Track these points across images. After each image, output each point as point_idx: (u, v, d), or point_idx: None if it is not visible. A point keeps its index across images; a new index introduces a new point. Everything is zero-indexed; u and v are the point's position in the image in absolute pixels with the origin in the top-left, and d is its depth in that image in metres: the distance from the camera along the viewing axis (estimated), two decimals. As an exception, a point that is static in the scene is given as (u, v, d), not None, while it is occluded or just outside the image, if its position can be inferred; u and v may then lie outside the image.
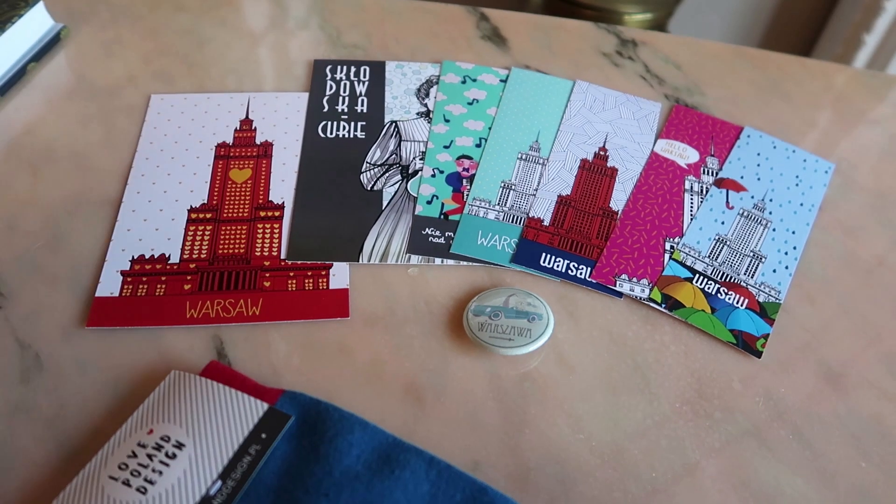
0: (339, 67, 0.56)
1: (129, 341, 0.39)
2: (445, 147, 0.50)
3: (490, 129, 0.52)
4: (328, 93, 0.54)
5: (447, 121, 0.52)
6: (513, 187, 0.48)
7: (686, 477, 0.36)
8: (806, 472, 0.36)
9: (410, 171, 0.49)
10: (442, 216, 0.46)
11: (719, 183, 0.50)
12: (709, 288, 0.44)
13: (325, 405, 0.34)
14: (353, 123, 0.52)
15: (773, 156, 0.53)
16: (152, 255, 0.42)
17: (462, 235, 0.45)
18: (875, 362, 0.41)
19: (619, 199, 0.48)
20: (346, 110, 0.53)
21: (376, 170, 0.49)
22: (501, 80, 0.56)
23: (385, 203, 0.47)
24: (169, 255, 0.43)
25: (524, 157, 0.50)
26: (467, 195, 0.47)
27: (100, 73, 0.54)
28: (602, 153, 0.51)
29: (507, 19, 0.63)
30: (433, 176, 0.48)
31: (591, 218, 0.47)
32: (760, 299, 0.44)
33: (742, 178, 0.51)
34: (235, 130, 0.51)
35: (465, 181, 0.48)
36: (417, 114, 0.53)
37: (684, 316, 0.42)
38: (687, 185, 0.50)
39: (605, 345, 0.41)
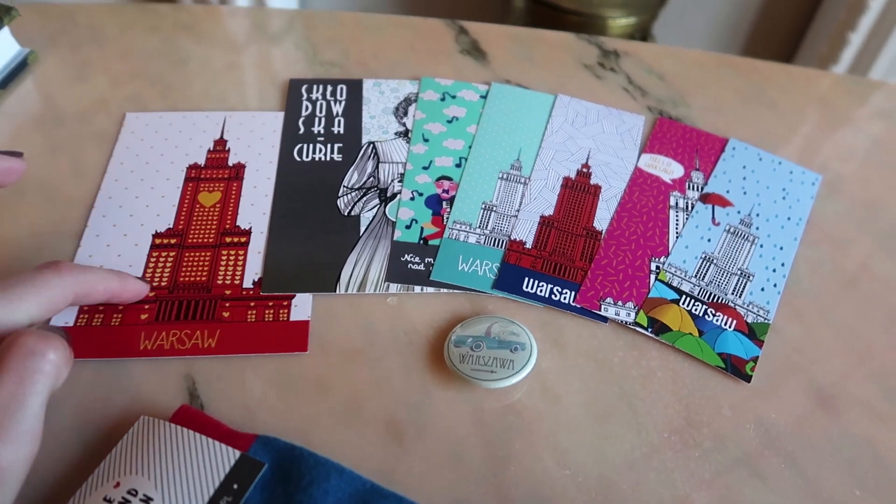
0: (315, 87, 0.55)
1: (97, 381, 0.37)
2: (424, 168, 0.49)
3: (470, 147, 0.51)
4: (304, 113, 0.53)
5: (426, 140, 0.51)
6: (494, 209, 0.47)
7: (676, 511, 0.35)
8: (799, 501, 0.35)
9: (389, 195, 0.48)
10: (421, 241, 0.45)
11: (705, 198, 0.49)
12: (696, 309, 0.43)
13: (300, 451, 0.33)
14: (329, 145, 0.50)
15: (759, 168, 0.52)
16: None
17: (442, 261, 0.44)
18: (866, 381, 0.40)
19: (602, 218, 0.47)
20: (322, 131, 0.51)
21: (354, 194, 0.47)
22: (482, 96, 0.54)
23: (363, 229, 0.45)
24: None
25: (505, 176, 0.49)
26: (447, 218, 0.46)
27: (69, 99, 0.53)
28: (585, 170, 0.50)
29: (486, 32, 0.62)
30: (412, 199, 0.47)
31: (574, 239, 0.46)
32: (749, 320, 0.43)
33: (728, 192, 0.50)
34: (209, 151, 0.49)
35: (444, 203, 0.47)
36: (396, 133, 0.52)
37: (671, 340, 0.41)
38: (672, 202, 0.49)
39: (591, 373, 0.40)
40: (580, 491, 0.35)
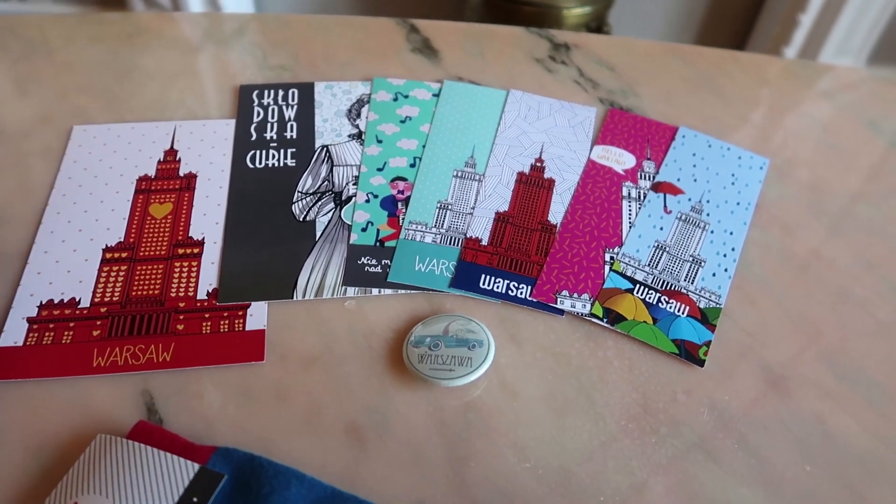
0: (266, 92, 0.54)
1: (52, 400, 0.37)
2: (379, 170, 0.49)
3: (424, 147, 0.51)
4: (255, 120, 0.52)
5: (380, 141, 0.51)
6: (449, 207, 0.47)
7: (634, 497, 0.35)
8: (752, 481, 0.36)
9: (344, 198, 0.48)
10: (378, 243, 0.45)
11: (656, 187, 0.50)
12: (650, 298, 0.44)
13: (260, 460, 0.33)
14: (282, 151, 0.50)
15: (709, 155, 0.53)
16: (62, 300, 0.41)
17: (399, 262, 0.44)
18: (816, 360, 0.41)
19: (557, 212, 0.48)
20: (274, 137, 0.51)
21: (308, 199, 0.47)
22: (434, 95, 0.55)
23: (319, 233, 0.45)
24: (79, 299, 0.41)
25: (460, 174, 0.49)
26: (403, 219, 0.46)
27: (12, 115, 0.52)
28: (539, 164, 0.51)
29: (437, 29, 0.62)
30: (367, 201, 0.47)
31: (529, 233, 0.46)
32: (701, 305, 0.43)
33: (679, 180, 0.51)
34: (159, 162, 0.49)
35: (400, 204, 0.47)
36: (349, 136, 0.51)
37: (626, 329, 0.42)
38: (625, 192, 0.50)
39: (549, 366, 0.40)
40: (540, 484, 0.36)
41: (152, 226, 0.45)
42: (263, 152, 0.50)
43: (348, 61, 0.58)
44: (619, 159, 0.52)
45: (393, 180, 0.49)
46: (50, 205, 0.45)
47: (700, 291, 0.44)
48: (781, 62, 0.64)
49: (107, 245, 0.44)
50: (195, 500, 0.31)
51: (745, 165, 0.52)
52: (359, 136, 0.51)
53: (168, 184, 0.47)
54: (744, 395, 0.40)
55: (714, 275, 0.45)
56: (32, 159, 0.49)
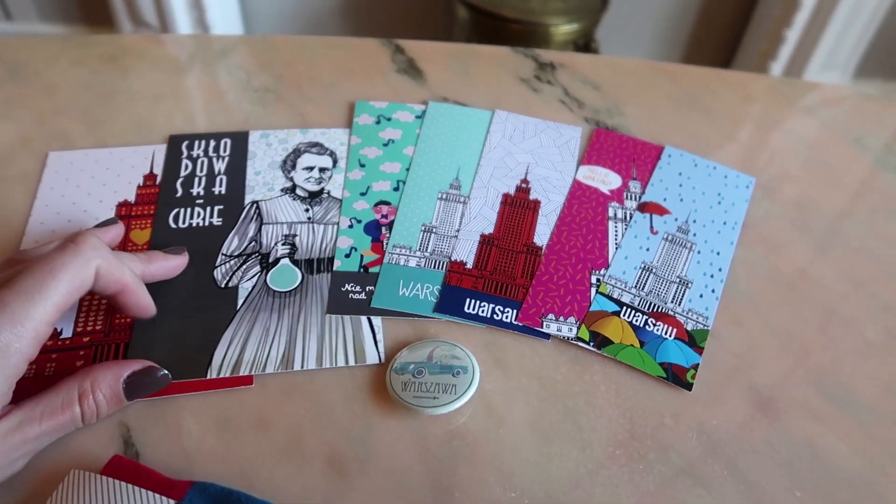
0: (196, 142, 0.51)
1: (28, 437, 0.36)
2: (362, 194, 0.49)
3: (408, 170, 0.50)
4: (183, 174, 0.49)
5: (362, 165, 0.51)
6: (434, 230, 0.47)
7: (622, 526, 0.35)
8: (742, 507, 0.36)
9: (271, 261, 0.44)
10: (362, 269, 0.44)
11: (642, 207, 0.50)
12: (637, 320, 0.43)
13: (238, 495, 0.32)
14: (208, 208, 0.47)
15: (695, 174, 0.53)
16: None
17: (383, 287, 0.44)
18: (803, 382, 0.41)
19: (542, 234, 0.47)
20: (202, 193, 0.48)
21: (232, 262, 0.44)
22: (417, 117, 0.54)
23: (240, 302, 0.42)
24: (61, 330, 0.40)
25: (444, 196, 0.49)
26: (387, 244, 0.46)
27: (-8, 139, 0.51)
28: (524, 185, 0.51)
29: (422, 50, 0.62)
30: (350, 227, 0.47)
31: (515, 256, 0.46)
32: (689, 327, 0.43)
33: (665, 200, 0.51)
34: (138, 187, 0.48)
35: (384, 229, 0.47)
36: (282, 190, 0.48)
37: (613, 353, 0.41)
38: (611, 213, 0.49)
39: (535, 391, 0.40)
40: (526, 513, 0.35)
41: (134, 251, 0.44)
42: (188, 210, 0.47)
43: (333, 82, 0.58)
44: (604, 179, 0.52)
45: (376, 205, 0.48)
46: (27, 234, 0.45)
47: (687, 313, 0.44)
48: (766, 80, 0.64)
49: (86, 273, 0.43)
50: (171, 537, 0.30)
51: (731, 184, 0.52)
52: (292, 190, 0.48)
53: (149, 209, 0.47)
54: (732, 419, 0.39)
55: (701, 296, 0.45)
56: (10, 184, 0.48)
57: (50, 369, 0.38)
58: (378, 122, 0.54)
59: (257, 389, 0.39)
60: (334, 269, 0.44)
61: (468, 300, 0.43)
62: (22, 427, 0.32)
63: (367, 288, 0.43)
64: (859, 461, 0.38)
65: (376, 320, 0.42)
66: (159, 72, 0.58)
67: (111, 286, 0.36)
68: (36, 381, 0.38)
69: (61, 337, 0.40)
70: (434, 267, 0.45)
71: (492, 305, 0.43)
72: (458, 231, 0.47)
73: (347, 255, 0.45)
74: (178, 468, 0.35)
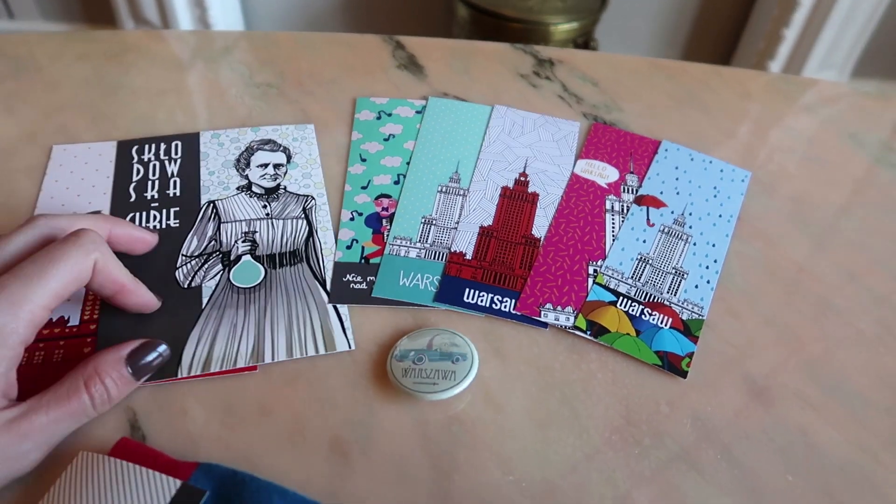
0: (147, 146, 0.51)
1: (36, 421, 0.37)
2: (363, 188, 0.49)
3: (408, 163, 0.51)
4: (135, 178, 0.49)
5: (363, 160, 0.51)
6: (434, 222, 0.48)
7: (618, 509, 0.35)
8: (735, 491, 0.36)
9: (233, 258, 0.44)
10: (363, 260, 0.45)
11: (639, 200, 0.51)
12: (633, 310, 0.44)
13: (242, 475, 0.33)
14: (164, 211, 0.47)
15: (691, 168, 0.53)
16: (50, 319, 0.40)
17: (384, 277, 0.44)
18: (798, 371, 0.42)
19: (541, 226, 0.48)
20: (156, 196, 0.48)
21: (194, 262, 0.44)
22: (417, 112, 0.55)
23: (205, 300, 0.42)
24: (68, 318, 0.41)
25: (444, 189, 0.50)
26: (387, 235, 0.47)
27: (-2, 132, 0.52)
28: (522, 179, 0.51)
29: (422, 46, 0.63)
30: (352, 219, 0.47)
31: (513, 247, 0.47)
32: (684, 317, 0.44)
33: (661, 193, 0.51)
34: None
35: (384, 221, 0.48)
36: (238, 188, 0.48)
37: (609, 341, 0.42)
38: (608, 206, 0.50)
39: (533, 379, 0.40)
40: (524, 496, 0.36)
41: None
42: (144, 214, 0.47)
43: (334, 78, 0.59)
44: (602, 173, 0.52)
45: (377, 198, 0.49)
46: (33, 224, 0.45)
47: (683, 303, 0.44)
48: (764, 77, 0.65)
49: (92, 262, 0.44)
50: (176, 516, 0.31)
51: (727, 178, 0.53)
52: (248, 188, 0.48)
53: (153, 201, 0.48)
54: (727, 406, 0.40)
55: (697, 287, 0.46)
56: (16, 177, 0.49)
57: (58, 356, 0.39)
58: (379, 118, 0.54)
59: (260, 376, 0.39)
60: (336, 259, 0.45)
61: (467, 290, 0.44)
62: (28, 415, 0.33)
63: (368, 278, 0.44)
64: (851, 448, 0.38)
65: (343, 308, 0.42)
66: (162, 67, 0.58)
67: (108, 285, 0.37)
68: (45, 368, 0.38)
69: (69, 325, 0.40)
70: (434, 258, 0.45)
71: (490, 295, 0.44)
72: (457, 223, 0.48)
73: (349, 247, 0.46)
74: (184, 452, 0.36)
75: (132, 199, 0.47)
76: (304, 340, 0.41)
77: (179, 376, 0.39)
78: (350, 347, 0.41)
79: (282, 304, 0.42)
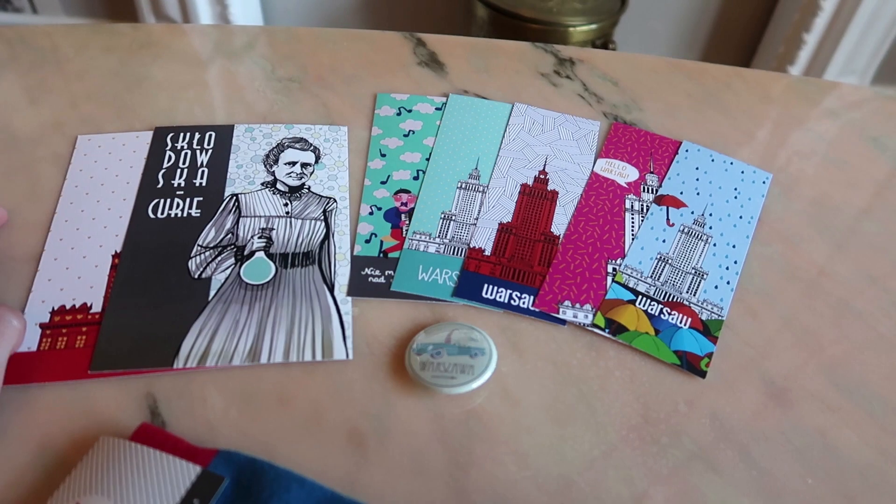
0: (182, 135, 0.51)
1: (56, 403, 0.37)
2: (382, 183, 0.50)
3: (428, 160, 0.51)
4: (165, 165, 0.49)
5: (383, 155, 0.51)
6: (453, 218, 0.48)
7: (635, 507, 0.35)
8: (753, 492, 0.36)
9: (246, 253, 0.44)
10: (381, 254, 0.45)
11: (659, 200, 0.50)
12: (652, 309, 0.44)
13: (261, 463, 0.33)
14: (188, 199, 0.47)
15: (712, 169, 0.53)
16: (73, 306, 0.41)
17: (402, 272, 0.44)
18: (817, 373, 0.41)
19: (560, 223, 0.48)
20: (182, 184, 0.48)
21: (207, 253, 0.44)
22: (437, 109, 0.55)
23: (213, 293, 0.42)
24: (91, 304, 0.41)
25: (464, 185, 0.50)
26: (406, 230, 0.47)
27: (23, 122, 0.53)
28: (542, 176, 0.51)
29: (443, 44, 0.63)
30: (371, 214, 0.48)
31: (532, 244, 0.47)
32: (703, 317, 0.44)
33: (682, 193, 0.51)
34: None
35: (403, 216, 0.48)
36: (262, 184, 0.48)
37: (628, 340, 0.42)
38: (628, 205, 0.50)
39: (550, 375, 0.40)
40: (541, 492, 0.36)
41: None
42: (168, 201, 0.47)
43: (355, 74, 0.59)
44: (622, 172, 0.52)
45: (396, 193, 0.49)
46: (58, 213, 0.46)
47: (702, 303, 0.44)
48: (786, 79, 0.64)
49: (116, 251, 0.44)
50: (196, 502, 0.31)
51: (747, 180, 0.52)
52: (272, 185, 0.48)
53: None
54: (745, 407, 0.40)
55: (716, 287, 0.45)
56: (42, 165, 0.49)
57: (81, 341, 0.40)
58: (399, 114, 0.55)
59: (278, 367, 0.40)
60: (354, 253, 0.45)
61: (486, 286, 0.44)
62: None
63: (387, 272, 0.44)
64: (870, 451, 0.38)
65: (347, 316, 0.42)
66: (185, 61, 0.59)
67: None
68: (70, 355, 0.39)
69: (91, 311, 0.41)
70: (453, 253, 0.46)
71: (509, 291, 0.44)
72: (476, 219, 0.48)
73: (367, 241, 0.46)
74: (203, 439, 0.36)
75: (159, 186, 0.48)
76: (303, 345, 0.40)
77: (175, 367, 0.39)
78: (348, 357, 0.40)
79: (287, 304, 0.42)
